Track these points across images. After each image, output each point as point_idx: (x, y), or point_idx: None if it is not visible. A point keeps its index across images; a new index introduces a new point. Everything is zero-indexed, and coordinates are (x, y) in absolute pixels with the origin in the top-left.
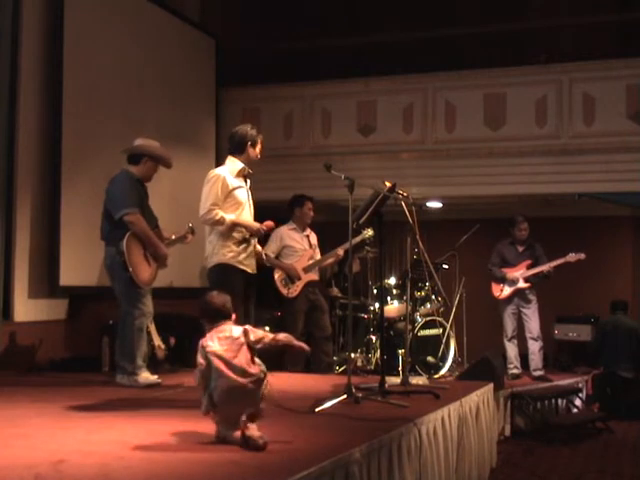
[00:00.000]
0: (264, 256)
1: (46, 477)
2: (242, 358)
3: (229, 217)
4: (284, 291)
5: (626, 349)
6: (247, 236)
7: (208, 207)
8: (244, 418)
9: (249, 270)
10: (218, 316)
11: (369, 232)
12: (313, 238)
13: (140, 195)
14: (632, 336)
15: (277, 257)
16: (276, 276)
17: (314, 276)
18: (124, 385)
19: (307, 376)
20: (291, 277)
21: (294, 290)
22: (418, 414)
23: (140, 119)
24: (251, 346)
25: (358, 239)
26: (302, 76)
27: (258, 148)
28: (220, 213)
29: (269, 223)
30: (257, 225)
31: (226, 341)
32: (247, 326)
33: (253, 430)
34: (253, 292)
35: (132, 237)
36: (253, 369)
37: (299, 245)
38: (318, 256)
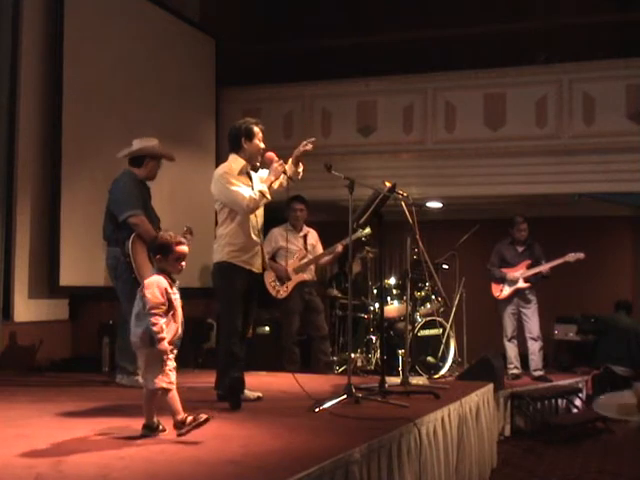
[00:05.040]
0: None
1: (46, 477)
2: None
3: (259, 190)
4: (273, 292)
5: (623, 348)
6: (255, 234)
7: (247, 196)
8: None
9: (254, 269)
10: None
11: (365, 230)
12: (311, 237)
13: (143, 196)
14: (630, 335)
15: (273, 258)
16: (266, 277)
17: (306, 276)
18: (124, 385)
19: (307, 376)
20: (281, 278)
21: (283, 291)
22: (418, 414)
23: (140, 119)
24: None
25: (354, 237)
26: (302, 76)
27: (257, 139)
28: (255, 192)
29: (270, 155)
30: (272, 168)
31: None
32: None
33: None
34: (256, 292)
35: (137, 239)
36: None
37: (293, 246)
38: (318, 253)
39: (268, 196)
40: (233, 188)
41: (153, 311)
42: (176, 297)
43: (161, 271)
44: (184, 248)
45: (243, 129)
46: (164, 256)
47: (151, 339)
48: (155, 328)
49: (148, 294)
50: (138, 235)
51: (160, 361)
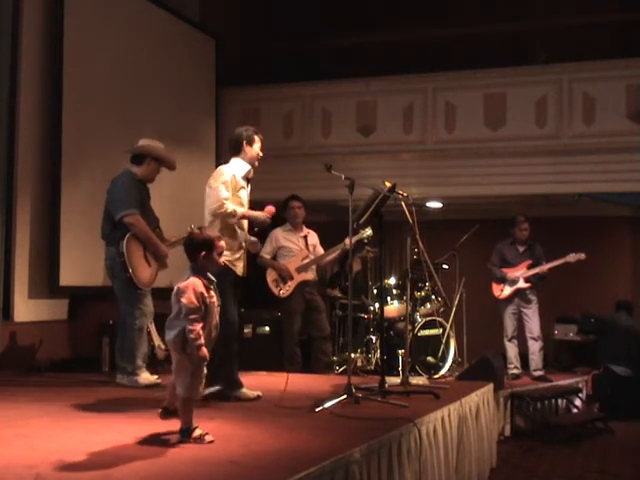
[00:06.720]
0: (258, 257)
1: (46, 477)
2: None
3: (240, 210)
4: (275, 291)
5: (624, 348)
6: (245, 237)
7: (222, 199)
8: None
9: (238, 272)
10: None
11: (367, 232)
12: (312, 238)
13: (141, 196)
14: (630, 335)
15: (273, 258)
16: (268, 276)
17: (308, 276)
18: (124, 385)
19: (307, 376)
20: (283, 277)
21: (286, 290)
22: (418, 414)
23: (140, 119)
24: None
25: (356, 238)
26: (302, 76)
27: (257, 146)
28: (232, 206)
29: (269, 209)
30: (263, 214)
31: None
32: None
33: None
34: (239, 294)
35: (132, 238)
36: None
37: (294, 246)
38: (320, 254)
39: (232, 220)
40: (222, 187)
41: (191, 317)
42: (213, 300)
43: (196, 272)
44: (223, 243)
45: (245, 135)
46: (208, 252)
47: (182, 345)
48: (192, 335)
49: (184, 299)
50: (134, 235)
51: (189, 369)
